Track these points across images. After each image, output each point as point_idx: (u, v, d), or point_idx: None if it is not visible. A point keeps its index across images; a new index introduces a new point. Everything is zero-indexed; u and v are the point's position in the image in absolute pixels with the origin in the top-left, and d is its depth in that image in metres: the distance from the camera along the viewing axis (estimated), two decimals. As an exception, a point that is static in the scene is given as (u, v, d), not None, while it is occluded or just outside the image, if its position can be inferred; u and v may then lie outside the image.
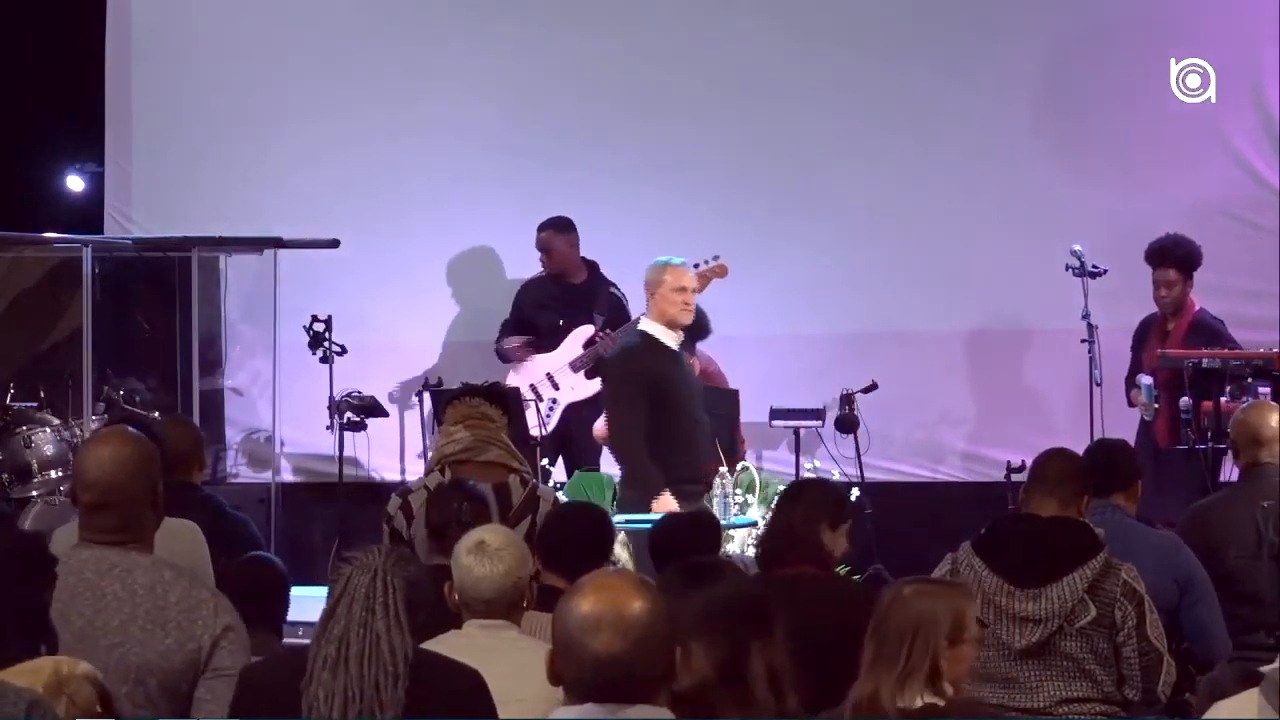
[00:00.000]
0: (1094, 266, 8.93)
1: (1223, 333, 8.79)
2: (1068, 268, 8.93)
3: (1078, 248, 8.93)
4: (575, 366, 9.24)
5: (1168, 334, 8.77)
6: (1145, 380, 8.62)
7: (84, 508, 4.00)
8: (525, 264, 9.80)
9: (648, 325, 7.71)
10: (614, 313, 9.41)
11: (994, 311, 10.00)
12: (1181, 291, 8.75)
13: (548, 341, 9.34)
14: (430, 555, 5.27)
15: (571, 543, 5.18)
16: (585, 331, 9.32)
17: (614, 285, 9.53)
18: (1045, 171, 10.21)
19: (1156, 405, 8.60)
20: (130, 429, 4.26)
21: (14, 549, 3.61)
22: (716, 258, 9.15)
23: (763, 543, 5.30)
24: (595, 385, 9.24)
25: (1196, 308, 8.84)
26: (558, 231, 9.44)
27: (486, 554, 4.25)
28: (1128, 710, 4.97)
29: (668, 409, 7.56)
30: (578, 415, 9.20)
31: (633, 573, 4.17)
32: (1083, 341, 8.90)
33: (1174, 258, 8.74)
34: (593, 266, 9.55)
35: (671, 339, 7.67)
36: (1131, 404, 8.82)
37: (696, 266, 9.25)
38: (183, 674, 3.83)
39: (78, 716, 3.24)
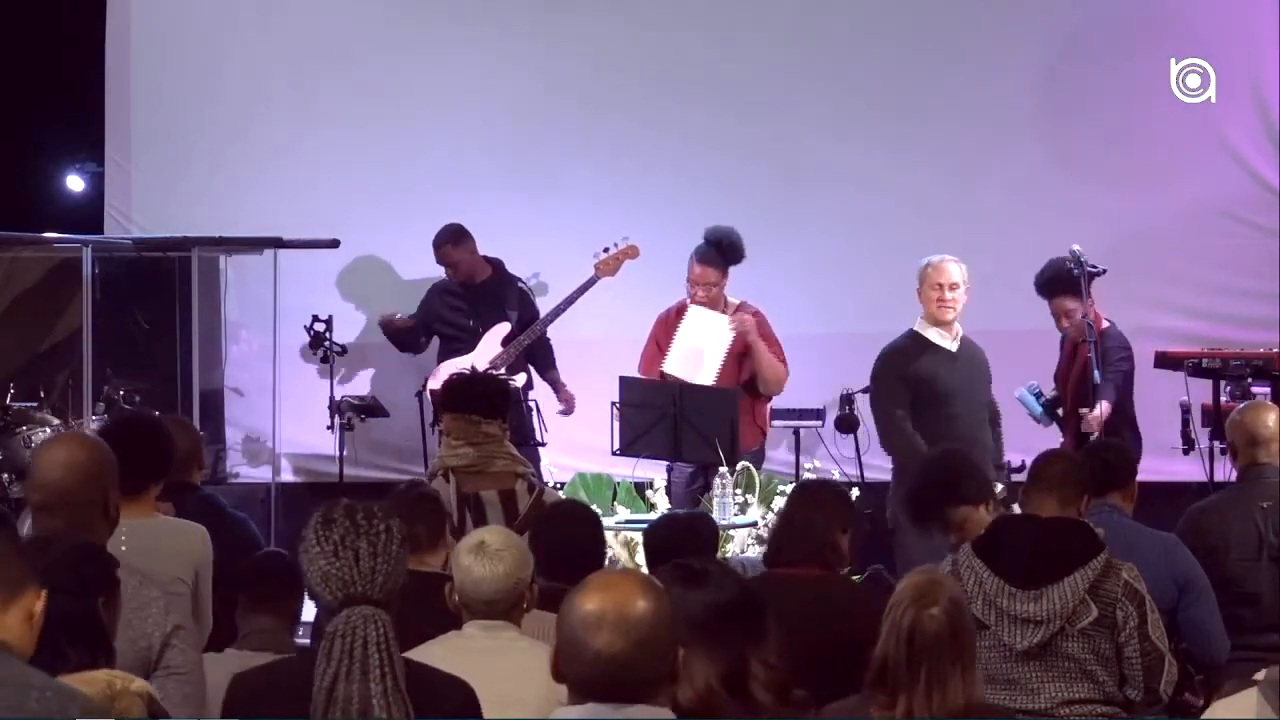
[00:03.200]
0: (1092, 266, 8.89)
1: (1111, 355, 8.45)
2: (1067, 264, 8.90)
3: (1076, 248, 8.91)
4: (496, 365, 9.23)
5: (1076, 348, 8.61)
6: (1019, 392, 8.62)
7: (33, 508, 4.05)
8: (525, 264, 9.79)
9: (918, 324, 8.01)
10: (525, 308, 9.44)
11: (994, 311, 9.97)
12: (1081, 315, 8.54)
13: (461, 342, 9.33)
14: None
15: (565, 550, 5.16)
16: (502, 329, 9.32)
17: (520, 280, 9.54)
18: (1045, 171, 10.21)
19: (1046, 423, 8.61)
20: (86, 434, 4.28)
21: (67, 558, 3.61)
22: (626, 239, 9.19)
23: (778, 540, 5.26)
24: (518, 381, 9.24)
25: (1104, 326, 8.54)
26: (455, 244, 9.42)
27: (487, 554, 4.25)
28: (1129, 710, 4.97)
29: (928, 406, 7.78)
30: None
31: (638, 572, 4.17)
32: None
33: (1063, 287, 8.50)
34: (497, 264, 9.53)
35: (939, 336, 7.89)
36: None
37: (607, 250, 9.31)
38: (133, 672, 3.81)
39: None
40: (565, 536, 5.30)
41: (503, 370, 9.17)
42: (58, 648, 3.43)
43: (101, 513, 4.04)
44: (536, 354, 9.38)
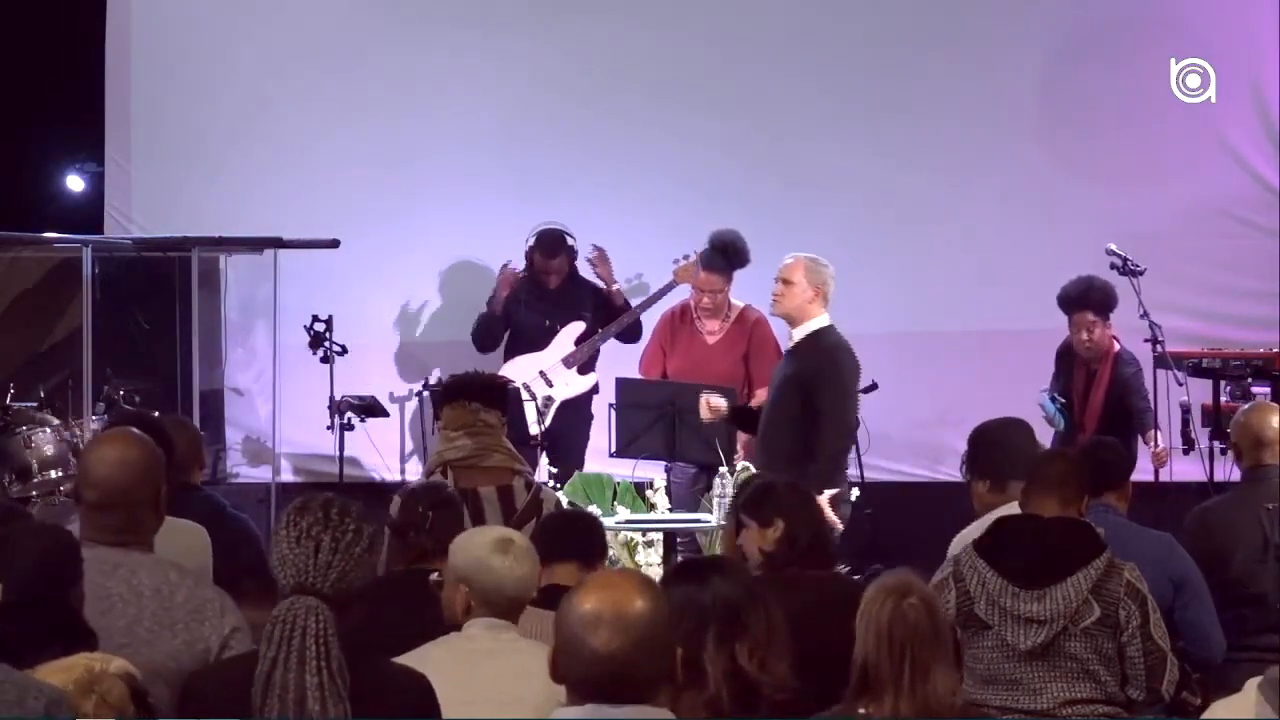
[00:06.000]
0: (1134, 265, 8.88)
1: (1134, 382, 8.60)
2: (1112, 267, 8.88)
3: (1112, 246, 8.89)
4: (569, 363, 9.24)
5: (1092, 374, 8.66)
6: (1040, 397, 8.63)
7: (88, 507, 4.00)
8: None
9: None
10: (598, 308, 9.43)
11: (994, 311, 10.00)
12: (1102, 333, 8.58)
13: (535, 340, 9.33)
14: (392, 558, 5.26)
15: (572, 531, 5.20)
16: (576, 328, 9.32)
17: (591, 281, 9.54)
18: (1045, 171, 10.22)
19: (1062, 427, 8.62)
20: (135, 430, 4.25)
21: (34, 562, 3.61)
22: (687, 256, 9.18)
23: (794, 543, 5.22)
24: (588, 382, 9.27)
25: (1117, 349, 8.64)
26: (560, 257, 9.39)
27: (516, 554, 4.27)
28: (1130, 710, 4.97)
29: None
30: (568, 414, 9.20)
31: (637, 572, 4.17)
32: (1146, 341, 8.81)
33: (1092, 302, 8.55)
34: (571, 268, 9.52)
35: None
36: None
37: (687, 257, 9.29)
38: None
39: (109, 713, 3.24)
40: (572, 518, 5.35)
41: (574, 369, 9.21)
42: (40, 641, 3.44)
43: (152, 510, 4.03)
44: (626, 337, 9.42)
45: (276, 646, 3.41)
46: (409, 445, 9.73)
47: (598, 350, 9.40)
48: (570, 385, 9.25)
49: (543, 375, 9.27)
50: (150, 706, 3.35)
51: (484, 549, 4.30)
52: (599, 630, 3.01)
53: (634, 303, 9.47)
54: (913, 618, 3.80)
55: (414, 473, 9.72)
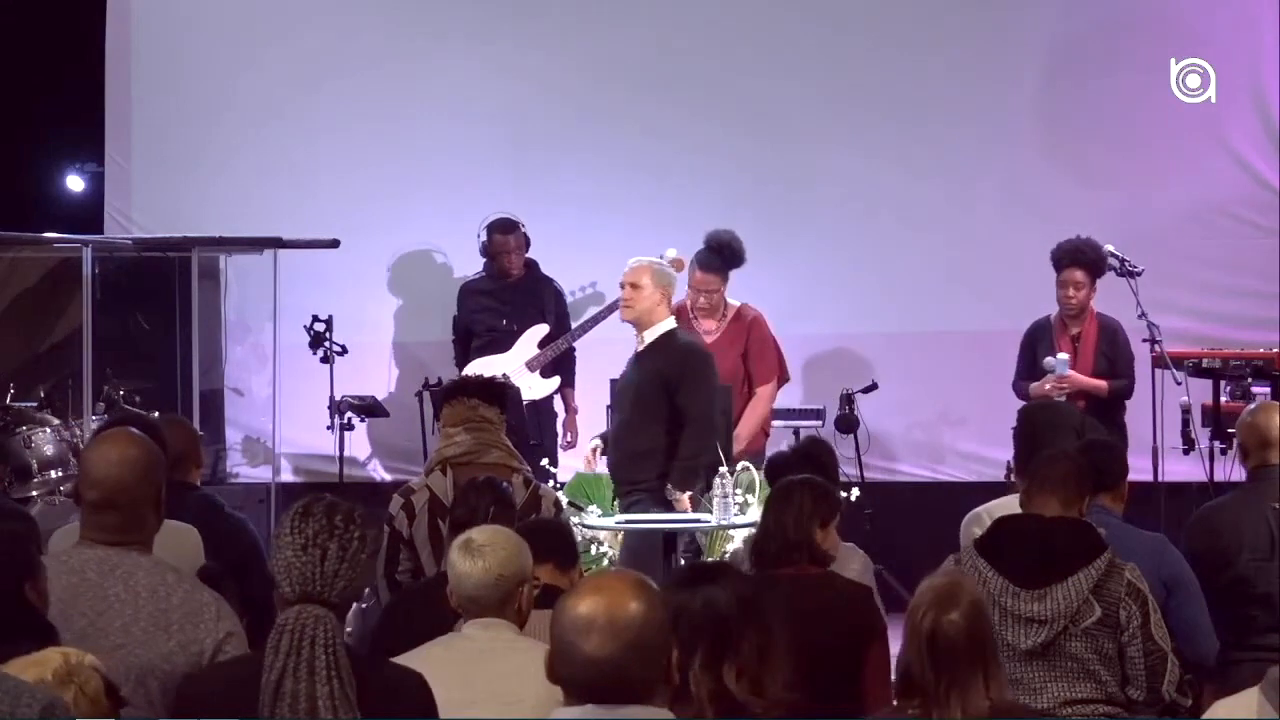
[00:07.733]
0: (1132, 266, 8.90)
1: (1120, 333, 8.72)
2: (1109, 269, 8.90)
3: (1110, 248, 8.89)
4: (531, 366, 9.21)
5: (1074, 337, 8.70)
6: (1060, 357, 8.61)
7: (87, 507, 3.99)
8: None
9: None
10: (560, 309, 9.42)
11: (994, 311, 9.99)
12: (1088, 294, 8.68)
13: (495, 341, 9.31)
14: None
15: (547, 535, 5.20)
16: (540, 331, 9.30)
17: (554, 280, 9.52)
18: (1045, 171, 10.21)
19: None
20: (135, 430, 4.25)
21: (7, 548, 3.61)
22: (672, 250, 9.18)
23: (758, 544, 5.28)
24: (552, 385, 9.25)
25: (1096, 310, 8.78)
26: (517, 233, 9.40)
27: (471, 551, 4.25)
28: (1130, 710, 4.97)
29: None
30: (535, 414, 9.17)
31: (633, 574, 4.16)
32: (1144, 341, 8.84)
33: (1085, 260, 8.66)
34: (531, 264, 9.51)
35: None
36: (1026, 398, 8.70)
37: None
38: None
39: (88, 706, 3.24)
40: (546, 524, 5.38)
41: (536, 373, 9.18)
42: (7, 637, 3.44)
43: (153, 509, 4.02)
44: (561, 365, 9.37)
45: (285, 656, 3.39)
46: (409, 445, 9.72)
47: (561, 353, 9.35)
48: (533, 389, 9.22)
49: (505, 379, 9.25)
50: (121, 700, 3.35)
51: (452, 547, 4.32)
52: (591, 635, 3.00)
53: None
54: (952, 633, 3.80)
55: (413, 473, 9.71)
